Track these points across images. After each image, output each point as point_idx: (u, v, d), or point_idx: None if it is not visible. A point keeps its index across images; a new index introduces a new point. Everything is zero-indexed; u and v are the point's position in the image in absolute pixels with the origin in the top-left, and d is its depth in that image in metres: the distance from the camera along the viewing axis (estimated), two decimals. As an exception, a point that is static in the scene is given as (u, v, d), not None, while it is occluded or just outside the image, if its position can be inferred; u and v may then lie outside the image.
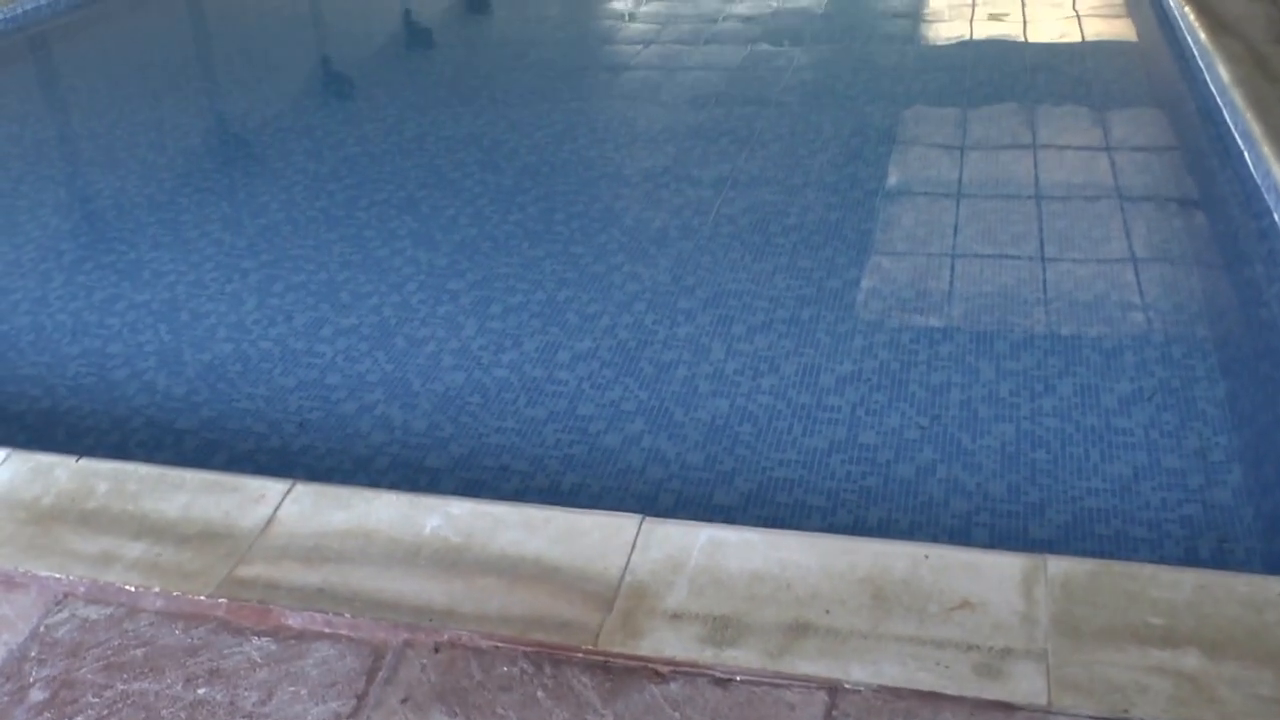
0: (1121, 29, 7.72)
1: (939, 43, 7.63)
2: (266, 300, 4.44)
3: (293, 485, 2.93)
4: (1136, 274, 4.39)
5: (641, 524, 2.75)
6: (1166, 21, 6.97)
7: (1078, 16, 7.92)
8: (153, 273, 4.71)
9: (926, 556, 2.64)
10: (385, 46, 8.56)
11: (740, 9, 8.58)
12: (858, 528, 3.17)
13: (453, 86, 6.99)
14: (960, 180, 5.27)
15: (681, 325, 4.12)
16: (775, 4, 8.65)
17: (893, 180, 5.34)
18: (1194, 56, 6.12)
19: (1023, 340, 3.97)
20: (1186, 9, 6.43)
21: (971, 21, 7.88)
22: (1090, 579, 2.56)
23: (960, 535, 3.13)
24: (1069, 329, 4.03)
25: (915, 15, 8.22)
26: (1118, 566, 2.62)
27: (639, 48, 7.70)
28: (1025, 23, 7.79)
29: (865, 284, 4.40)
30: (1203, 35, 5.95)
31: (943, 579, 2.57)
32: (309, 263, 4.71)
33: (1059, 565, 2.60)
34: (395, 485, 3.37)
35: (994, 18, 7.92)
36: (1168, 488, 3.27)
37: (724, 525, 2.82)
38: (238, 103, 7.08)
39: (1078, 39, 7.46)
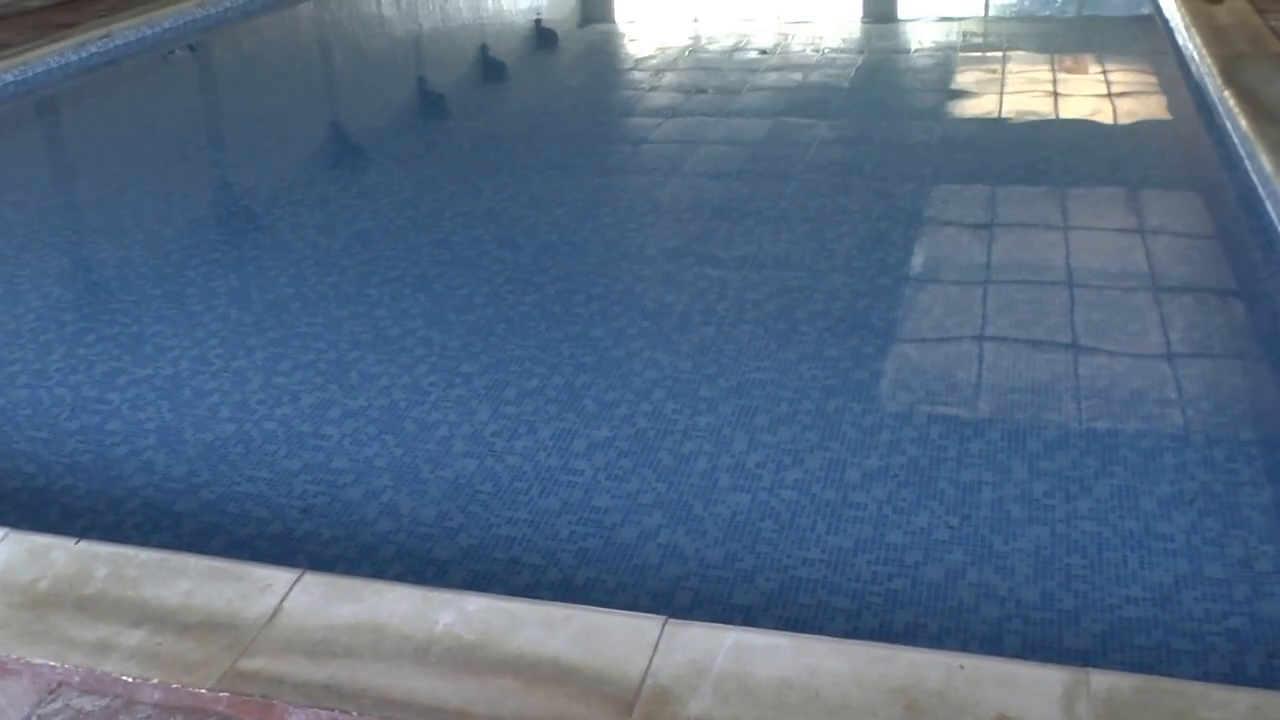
0: (1157, 110, 7.65)
1: (967, 119, 7.56)
2: (272, 379, 4.31)
3: (301, 575, 2.79)
4: (1175, 370, 4.25)
5: (665, 625, 2.61)
6: (1205, 106, 6.89)
7: (1111, 96, 7.85)
8: (155, 347, 4.59)
9: (962, 667, 2.49)
10: (400, 116, 8.52)
11: (765, 80, 8.54)
12: (884, 631, 3.02)
13: (471, 159, 6.92)
14: (990, 266, 5.16)
15: (703, 414, 3.98)
16: (800, 77, 8.61)
17: (922, 265, 5.22)
18: (1235, 144, 6.04)
19: (1057, 438, 3.82)
20: (1226, 94, 6.36)
21: (1001, 97, 7.81)
22: (1136, 695, 2.41)
23: (992, 643, 2.97)
24: (1105, 426, 3.88)
25: (943, 90, 8.17)
26: (1165, 683, 2.48)
27: (661, 120, 7.65)
28: (1057, 100, 7.72)
29: (892, 375, 4.27)
30: (1244, 122, 5.87)
31: (979, 691, 2.43)
32: (318, 341, 4.59)
33: (1102, 680, 2.46)
34: (403, 577, 3.21)
35: (1024, 94, 7.85)
36: (1212, 598, 3.11)
37: (751, 629, 2.68)
38: (248, 173, 7.01)
39: (1111, 119, 7.37)
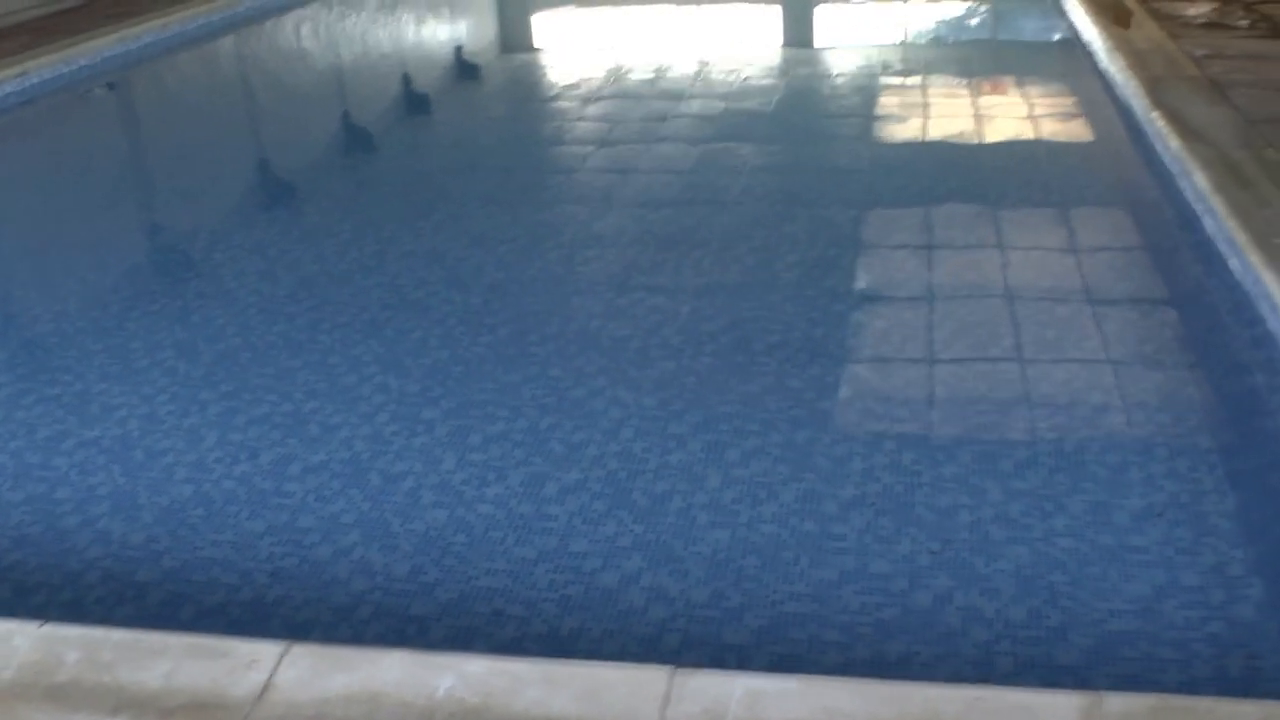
0: (1088, 132, 7.84)
1: (892, 143, 7.63)
2: (228, 435, 4.18)
3: (287, 647, 2.69)
4: (1129, 383, 4.30)
5: (672, 676, 2.55)
6: (1134, 126, 6.99)
7: (1041, 118, 7.99)
8: (102, 406, 4.44)
9: (979, 699, 2.47)
10: (331, 154, 8.42)
11: (690, 107, 8.57)
12: (878, 662, 3.00)
13: (407, 197, 6.85)
14: (934, 286, 5.20)
15: (673, 452, 3.94)
16: (724, 104, 8.64)
17: (871, 289, 5.27)
18: (1166, 163, 6.12)
19: (1026, 459, 3.84)
20: (1155, 115, 6.47)
21: (926, 121, 7.90)
22: (1150, 715, 2.41)
23: (984, 665, 2.96)
24: (1070, 444, 3.91)
25: (865, 115, 8.24)
26: (1177, 701, 2.49)
27: (590, 149, 7.63)
28: (989, 123, 7.84)
29: (855, 402, 4.27)
30: (1174, 142, 5.97)
31: None
32: (271, 393, 4.47)
33: (1116, 703, 2.45)
34: (384, 637, 3.14)
35: (953, 118, 7.95)
36: (1190, 606, 3.14)
37: (760, 674, 2.65)
38: (181, 217, 6.85)
39: (1045, 141, 7.52)
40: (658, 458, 3.91)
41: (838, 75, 9.73)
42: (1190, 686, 2.85)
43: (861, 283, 5.32)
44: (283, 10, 12.47)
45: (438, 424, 4.19)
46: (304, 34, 12.26)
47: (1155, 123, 6.39)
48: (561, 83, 9.84)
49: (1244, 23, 8.73)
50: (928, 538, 3.46)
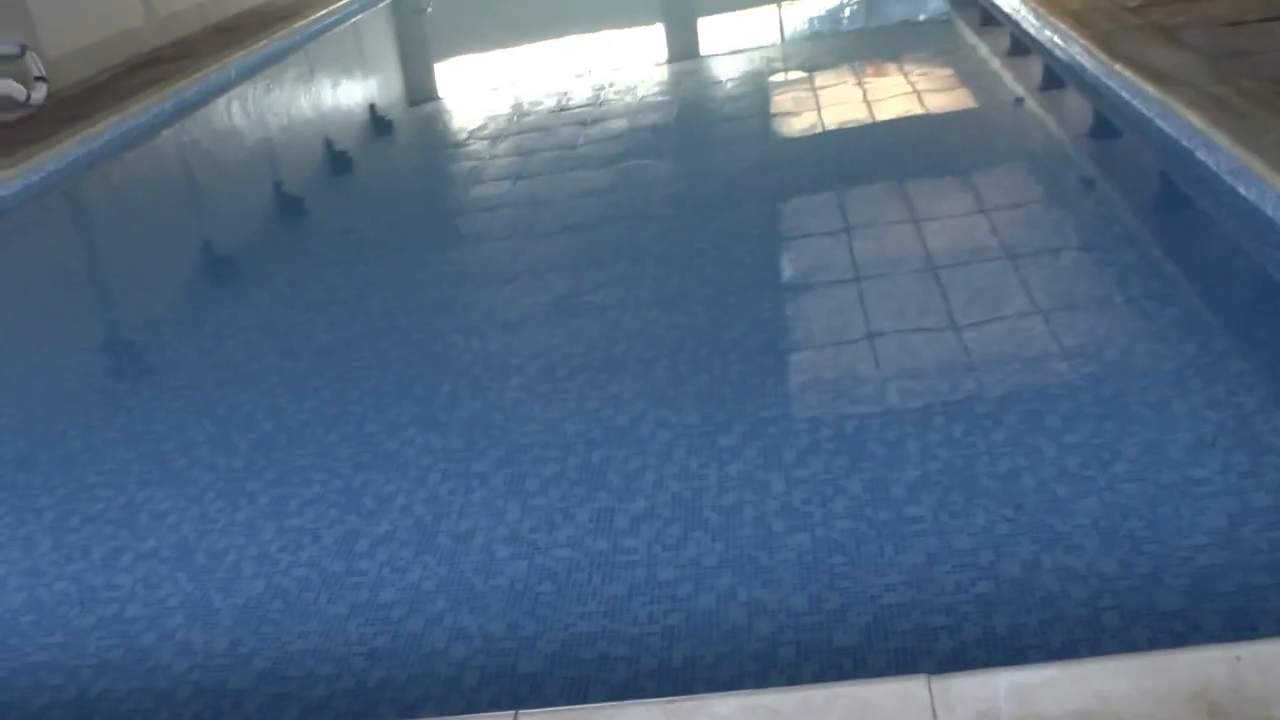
0: (1051, 95, 7.99)
1: (839, 130, 7.78)
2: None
3: (516, 714, 2.68)
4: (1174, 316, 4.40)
5: (930, 683, 2.54)
6: (1091, 81, 7.11)
7: (995, 89, 8.12)
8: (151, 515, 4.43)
9: (1239, 658, 2.47)
10: (255, 215, 8.55)
11: (597, 131, 8.76)
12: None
13: (334, 257, 6.92)
14: (929, 257, 5.27)
15: (729, 464, 3.99)
16: (626, 122, 8.81)
17: (815, 281, 5.42)
18: (1142, 110, 6.23)
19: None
20: (1118, 67, 6.57)
21: (862, 106, 8.02)
22: None
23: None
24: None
25: (763, 114, 8.40)
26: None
27: (507, 184, 7.84)
28: (864, 104, 8.03)
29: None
30: (1150, 88, 6.06)
31: (1270, 678, 2.42)
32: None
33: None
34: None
35: (880, 102, 8.10)
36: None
37: (1018, 668, 2.58)
38: (176, 308, 6.73)
39: (1003, 111, 7.65)
40: (717, 471, 3.96)
41: (751, 79, 9.88)
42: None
43: (801, 274, 5.44)
44: (225, 89, 12.64)
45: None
46: (249, 111, 12.40)
47: (1123, 74, 6.49)
48: (471, 125, 9.96)
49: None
50: (998, 505, 3.52)
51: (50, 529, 4.34)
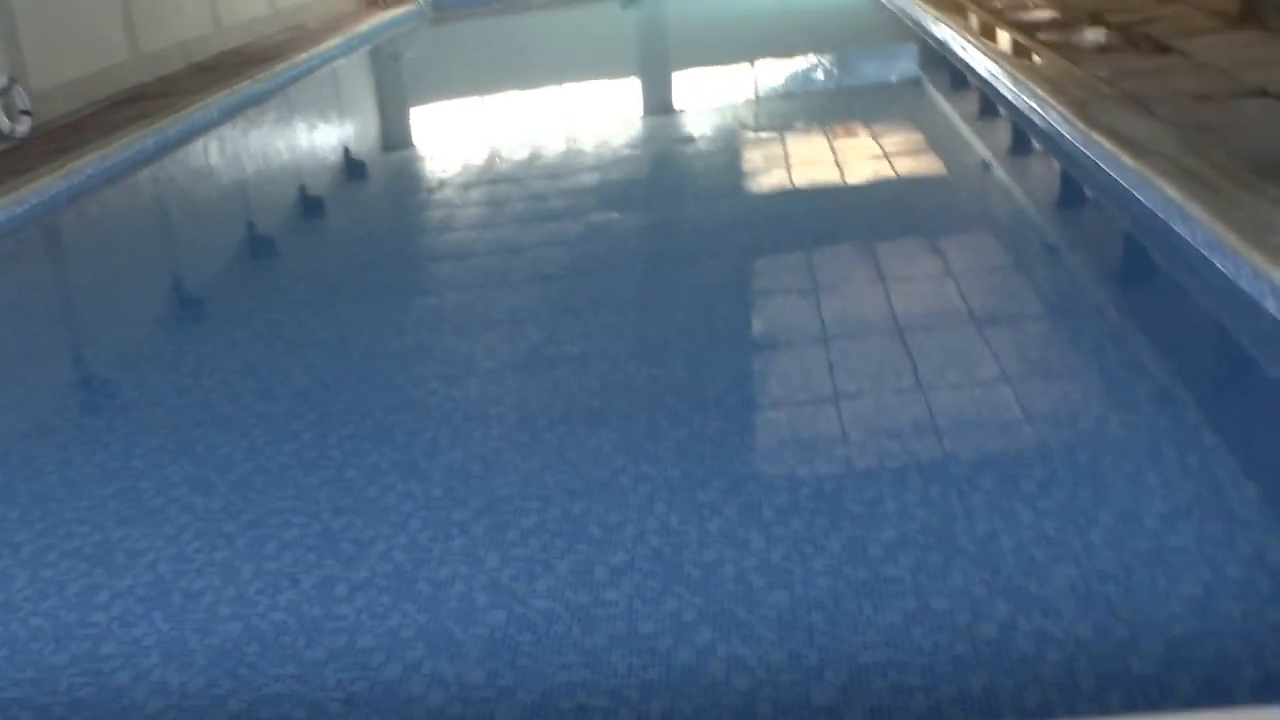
0: (1025, 160, 8.13)
1: (816, 189, 7.93)
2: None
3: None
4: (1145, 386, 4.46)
5: None
6: (1067, 148, 7.24)
7: (966, 151, 8.24)
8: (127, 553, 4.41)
9: None
10: (234, 255, 8.59)
11: (570, 183, 8.90)
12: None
13: (310, 301, 6.95)
14: (897, 322, 5.33)
15: (709, 520, 4.02)
16: (599, 175, 8.93)
17: (785, 339, 5.49)
18: (1118, 179, 6.38)
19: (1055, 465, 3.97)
20: (1095, 135, 6.69)
21: (841, 166, 8.12)
22: None
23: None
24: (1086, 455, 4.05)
25: (735, 170, 8.51)
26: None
27: (477, 232, 7.94)
28: (840, 167, 8.18)
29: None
30: (1127, 158, 6.18)
31: None
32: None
33: None
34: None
35: (860, 161, 8.21)
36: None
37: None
38: (157, 347, 6.74)
39: (981, 173, 7.76)
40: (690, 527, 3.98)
41: (724, 135, 10.03)
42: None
43: (772, 333, 5.48)
44: (207, 128, 12.72)
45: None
46: (230, 151, 12.48)
47: (1100, 142, 6.62)
48: (446, 173, 10.11)
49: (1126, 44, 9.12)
50: (975, 567, 3.56)
51: (26, 564, 4.31)
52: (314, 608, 3.80)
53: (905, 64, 12.71)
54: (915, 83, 11.59)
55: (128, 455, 5.08)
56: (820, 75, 13.03)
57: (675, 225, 7.43)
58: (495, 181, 9.38)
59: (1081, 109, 7.19)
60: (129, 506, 4.63)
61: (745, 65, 13.88)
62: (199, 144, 12.53)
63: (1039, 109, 7.91)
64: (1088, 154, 6.81)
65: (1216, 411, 4.34)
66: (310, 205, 10.02)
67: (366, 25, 19.43)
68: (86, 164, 10.50)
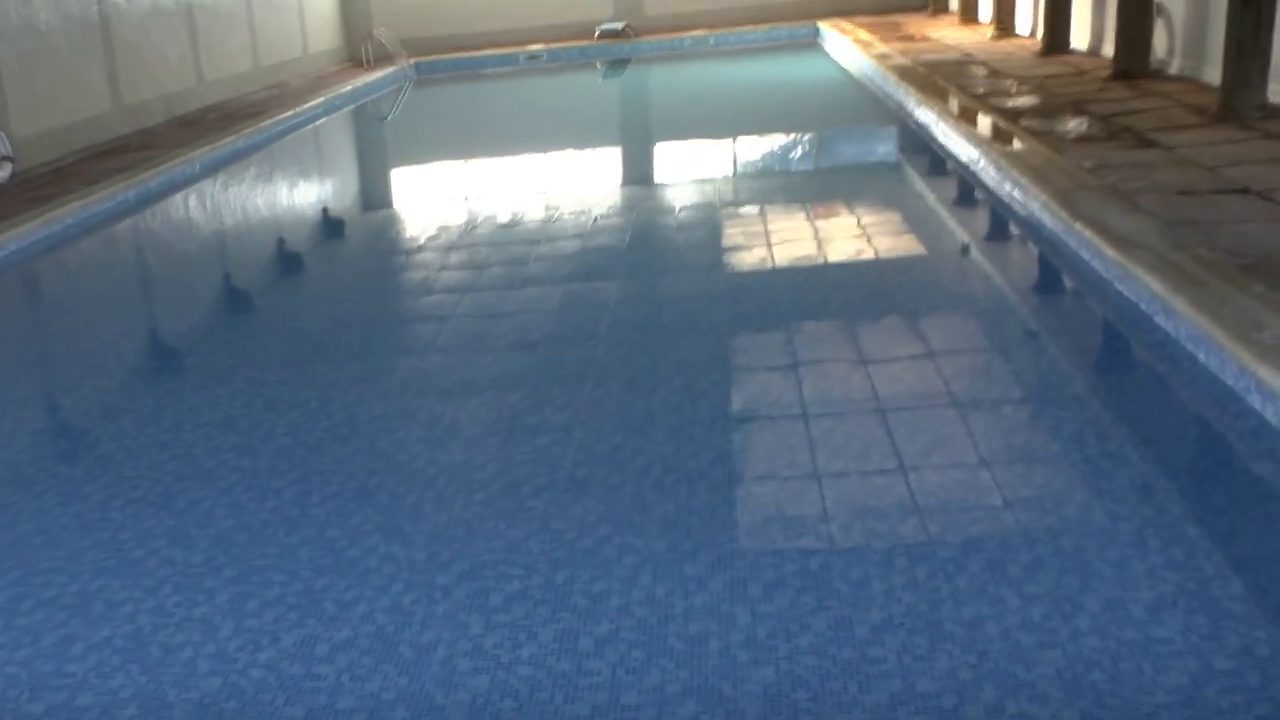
0: (1006, 247, 8.22)
1: (749, 269, 8.01)
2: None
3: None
4: (1128, 481, 4.48)
5: None
6: (1049, 236, 7.33)
7: (943, 234, 8.33)
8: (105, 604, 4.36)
9: None
10: (215, 310, 8.58)
11: (549, 250, 8.95)
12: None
13: (287, 358, 6.94)
14: (895, 398, 5.36)
15: (697, 592, 4.01)
16: (579, 244, 9.00)
17: (756, 414, 5.49)
18: (1100, 270, 6.47)
19: (1032, 558, 3.98)
20: (1078, 225, 6.79)
21: (820, 246, 8.19)
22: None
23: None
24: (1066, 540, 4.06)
25: (715, 246, 8.58)
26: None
27: (457, 296, 7.94)
28: (821, 245, 8.27)
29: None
30: (1110, 250, 6.27)
31: None
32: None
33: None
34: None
35: (839, 240, 8.28)
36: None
37: None
38: (136, 397, 6.71)
39: (957, 257, 7.85)
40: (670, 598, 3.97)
41: (704, 209, 10.10)
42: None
43: (748, 409, 5.48)
44: (188, 182, 12.79)
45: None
46: (211, 206, 12.52)
47: (1083, 233, 6.71)
48: (426, 235, 10.09)
49: (1109, 135, 9.27)
50: (963, 652, 3.56)
51: (1, 611, 4.25)
52: (294, 666, 3.77)
53: (886, 145, 12.87)
54: (896, 165, 11.73)
55: (107, 506, 5.04)
56: (801, 153, 13.18)
57: (657, 297, 7.47)
58: (477, 245, 9.43)
59: (1065, 199, 7.29)
60: (108, 557, 4.59)
61: (726, 139, 14.03)
62: (180, 197, 12.56)
63: (1021, 197, 8.01)
64: (1070, 244, 6.90)
65: (1203, 505, 4.37)
66: (292, 263, 10.04)
67: (350, 86, 19.54)
68: (67, 213, 10.50)
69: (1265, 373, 4.68)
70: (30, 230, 9.93)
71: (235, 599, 4.23)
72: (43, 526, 4.94)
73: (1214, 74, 10.31)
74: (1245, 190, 7.17)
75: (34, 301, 9.54)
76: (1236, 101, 9.36)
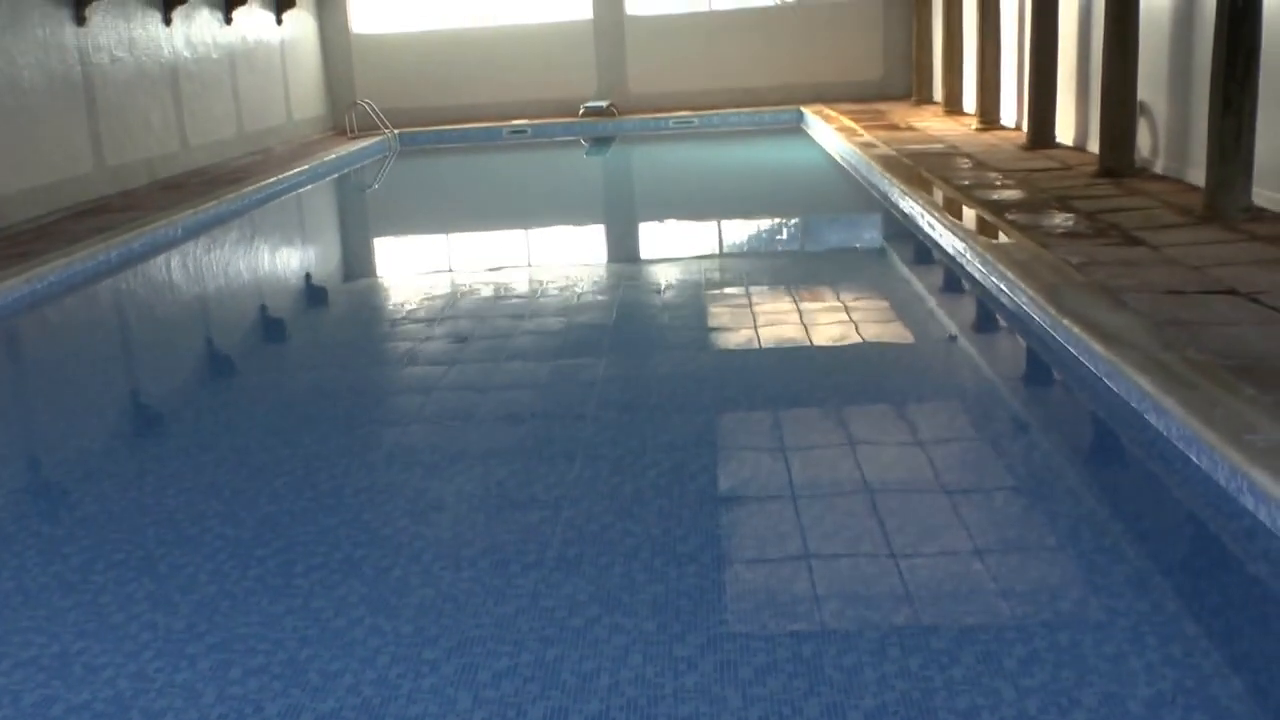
0: (991, 339, 8.28)
1: (736, 350, 8.05)
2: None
3: None
4: (1121, 580, 4.47)
5: None
6: (1036, 331, 7.39)
7: (927, 325, 8.38)
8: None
9: None
10: (199, 375, 8.56)
11: (534, 324, 9.00)
12: None
13: (270, 429, 6.86)
14: (881, 486, 5.35)
15: (688, 674, 3.96)
16: (565, 319, 9.02)
17: (742, 495, 5.47)
18: (1090, 367, 6.50)
19: (1026, 652, 3.95)
20: (1066, 321, 6.83)
21: (805, 332, 8.22)
22: None
23: None
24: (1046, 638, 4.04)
25: (701, 326, 8.64)
26: None
27: (442, 369, 7.94)
28: (807, 329, 8.33)
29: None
30: (1098, 347, 6.30)
31: None
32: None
33: None
34: None
35: (830, 325, 8.33)
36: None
37: None
38: (116, 462, 6.64)
39: (942, 349, 7.88)
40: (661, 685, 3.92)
41: (690, 289, 10.14)
42: None
43: (735, 490, 5.46)
44: (170, 245, 12.82)
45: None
46: (193, 270, 12.52)
47: (1070, 329, 6.75)
48: (410, 306, 10.18)
49: (1095, 232, 9.38)
50: (964, 744, 3.52)
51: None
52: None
53: (871, 233, 12.99)
54: (882, 252, 11.82)
55: (88, 568, 4.96)
56: (786, 237, 13.30)
57: (644, 376, 7.46)
58: (461, 318, 9.44)
59: (1053, 294, 7.34)
60: (89, 619, 4.51)
61: (711, 220, 14.14)
62: (163, 259, 12.55)
63: (1008, 290, 8.07)
64: (1058, 338, 6.94)
65: (1200, 604, 4.35)
66: (276, 329, 10.02)
67: (334, 154, 19.64)
68: (50, 270, 10.46)
69: (1258, 475, 4.69)
70: (13, 286, 9.88)
71: (218, 666, 4.16)
72: (22, 585, 4.85)
73: (1198, 175, 10.46)
74: (1232, 291, 7.24)
75: (15, 359, 9.46)
76: (1221, 203, 9.49)
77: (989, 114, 17.35)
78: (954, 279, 9.54)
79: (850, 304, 9.13)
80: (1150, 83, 12.05)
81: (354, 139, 21.98)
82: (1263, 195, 9.69)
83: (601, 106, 23.80)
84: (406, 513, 5.45)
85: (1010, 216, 10.15)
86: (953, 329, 8.41)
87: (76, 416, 7.42)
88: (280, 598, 4.64)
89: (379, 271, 12.88)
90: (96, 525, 5.47)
